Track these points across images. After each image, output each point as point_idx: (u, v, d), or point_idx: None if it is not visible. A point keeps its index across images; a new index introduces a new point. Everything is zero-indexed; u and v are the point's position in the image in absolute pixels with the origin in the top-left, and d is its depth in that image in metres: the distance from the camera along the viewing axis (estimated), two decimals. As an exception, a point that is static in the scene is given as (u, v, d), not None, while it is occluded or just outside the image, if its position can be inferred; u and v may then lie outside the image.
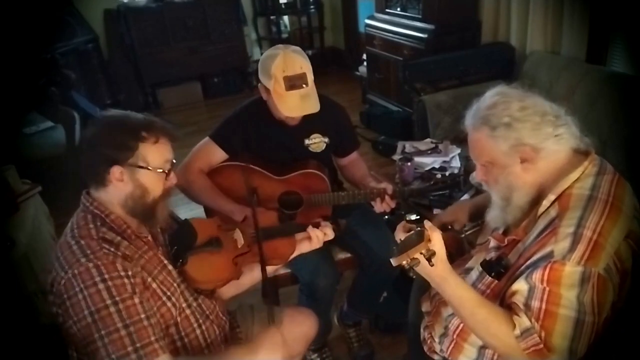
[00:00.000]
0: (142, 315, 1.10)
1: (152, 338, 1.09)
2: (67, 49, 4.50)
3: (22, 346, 1.55)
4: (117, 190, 1.18)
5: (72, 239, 1.14)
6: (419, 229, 1.09)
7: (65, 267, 1.10)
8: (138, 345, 1.07)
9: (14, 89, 3.40)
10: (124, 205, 1.20)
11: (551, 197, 1.12)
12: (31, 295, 1.94)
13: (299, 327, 1.57)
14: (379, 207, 1.76)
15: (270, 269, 1.40)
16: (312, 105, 1.72)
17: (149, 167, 1.18)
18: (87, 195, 1.22)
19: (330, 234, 1.50)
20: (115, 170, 1.16)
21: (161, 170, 1.20)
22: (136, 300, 1.10)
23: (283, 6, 5.78)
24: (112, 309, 1.06)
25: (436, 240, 1.06)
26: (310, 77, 1.70)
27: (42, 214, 2.39)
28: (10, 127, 3.28)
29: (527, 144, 1.13)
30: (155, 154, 1.19)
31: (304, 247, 1.51)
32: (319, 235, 1.49)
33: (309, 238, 1.49)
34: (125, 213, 1.21)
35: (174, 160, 1.26)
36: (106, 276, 1.08)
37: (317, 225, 1.50)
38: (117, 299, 1.07)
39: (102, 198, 1.20)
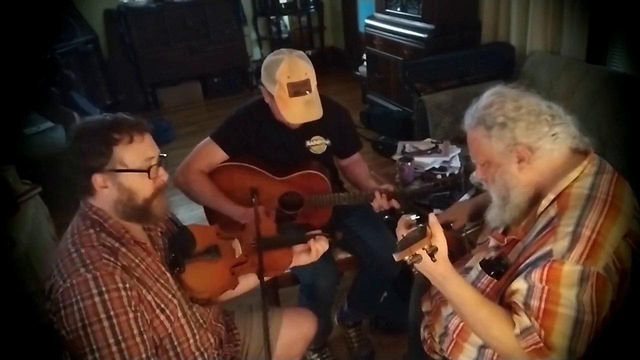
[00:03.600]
0: (135, 331, 1.09)
1: (143, 355, 1.09)
2: (67, 49, 4.50)
3: (22, 346, 1.55)
4: (104, 196, 1.16)
5: (73, 246, 1.12)
6: (421, 225, 1.07)
7: (64, 275, 1.08)
8: None
9: (14, 89, 3.41)
10: (116, 211, 1.17)
11: (550, 196, 1.13)
12: (31, 295, 1.94)
13: (298, 328, 1.57)
14: (377, 202, 1.76)
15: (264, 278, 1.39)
16: (316, 112, 1.72)
17: (129, 169, 1.14)
18: (85, 200, 1.19)
19: (325, 247, 1.50)
20: (97, 178, 1.13)
21: (144, 170, 1.15)
22: (131, 315, 1.09)
23: (283, 6, 5.78)
24: (105, 324, 1.05)
25: (439, 237, 1.05)
26: (313, 83, 1.70)
27: (42, 214, 2.40)
28: (10, 127, 3.28)
29: (522, 143, 1.13)
30: (132, 155, 1.14)
31: (301, 260, 1.51)
32: (319, 249, 1.48)
33: (308, 251, 1.49)
34: (120, 218, 1.18)
35: (164, 155, 1.20)
36: (103, 289, 1.06)
37: (314, 237, 1.49)
38: (112, 313, 1.06)
39: (97, 205, 1.18)
